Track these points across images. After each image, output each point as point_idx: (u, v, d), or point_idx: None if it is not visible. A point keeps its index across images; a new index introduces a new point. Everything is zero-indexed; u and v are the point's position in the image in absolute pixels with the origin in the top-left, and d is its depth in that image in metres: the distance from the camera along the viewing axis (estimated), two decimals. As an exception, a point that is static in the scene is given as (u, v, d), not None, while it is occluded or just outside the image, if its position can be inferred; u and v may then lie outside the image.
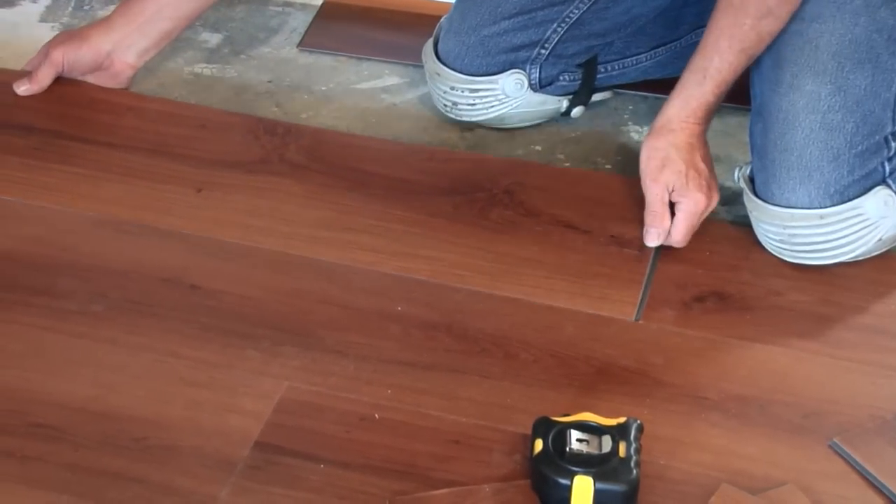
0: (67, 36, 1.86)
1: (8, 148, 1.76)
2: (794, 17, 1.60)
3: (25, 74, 1.85)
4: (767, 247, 1.63)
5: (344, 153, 1.76)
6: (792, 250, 1.61)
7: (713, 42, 1.60)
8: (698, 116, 1.63)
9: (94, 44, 1.83)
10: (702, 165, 1.62)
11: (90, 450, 1.38)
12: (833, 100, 1.58)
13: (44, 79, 1.84)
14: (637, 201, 1.64)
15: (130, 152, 1.75)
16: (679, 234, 1.61)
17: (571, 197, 1.69)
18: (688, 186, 1.60)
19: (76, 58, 1.83)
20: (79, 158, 1.74)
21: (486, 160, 1.77)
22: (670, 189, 1.61)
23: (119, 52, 1.84)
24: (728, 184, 1.70)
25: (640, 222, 1.62)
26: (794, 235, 1.60)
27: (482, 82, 1.81)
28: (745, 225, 1.65)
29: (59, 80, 1.84)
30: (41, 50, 1.86)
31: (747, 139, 1.67)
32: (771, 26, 1.59)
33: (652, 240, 1.61)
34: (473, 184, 1.71)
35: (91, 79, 1.86)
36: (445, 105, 1.84)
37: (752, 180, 1.64)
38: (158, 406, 1.43)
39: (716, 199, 1.63)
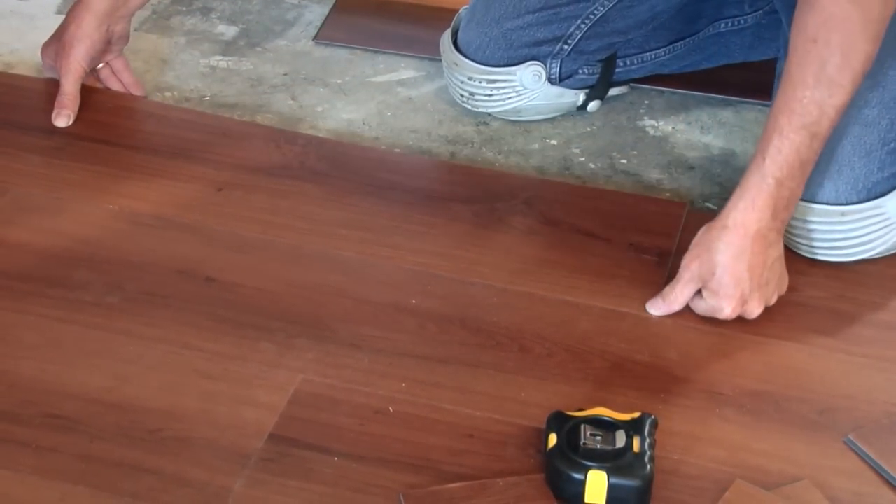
0: (68, 45, 1.78)
1: (30, 147, 1.76)
2: None
3: (44, 81, 1.84)
4: (785, 241, 1.62)
5: (365, 164, 1.75)
6: (810, 246, 1.61)
7: (772, 121, 1.48)
8: (758, 208, 1.48)
9: (92, 34, 1.78)
10: (744, 275, 1.48)
11: (105, 441, 1.38)
12: (870, 95, 1.57)
13: (76, 99, 1.79)
14: (656, 215, 1.62)
15: (152, 154, 1.75)
16: (693, 311, 1.53)
17: (591, 209, 1.68)
18: (715, 292, 1.50)
19: (94, 55, 1.80)
20: (100, 158, 1.74)
21: (505, 175, 1.77)
22: (698, 284, 1.51)
23: (114, 20, 1.79)
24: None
25: (660, 233, 1.62)
26: (813, 231, 1.59)
27: (500, 73, 1.81)
28: (761, 221, 1.65)
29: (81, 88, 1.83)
30: (48, 66, 1.82)
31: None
32: (835, 99, 1.46)
33: (652, 310, 1.53)
34: (493, 194, 1.70)
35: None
36: (462, 96, 1.84)
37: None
38: (173, 398, 1.43)
39: (756, 309, 1.50)
